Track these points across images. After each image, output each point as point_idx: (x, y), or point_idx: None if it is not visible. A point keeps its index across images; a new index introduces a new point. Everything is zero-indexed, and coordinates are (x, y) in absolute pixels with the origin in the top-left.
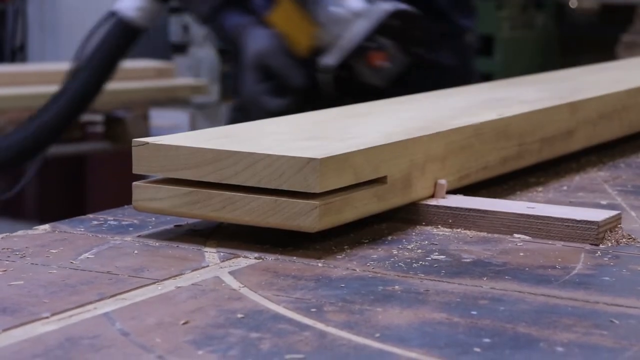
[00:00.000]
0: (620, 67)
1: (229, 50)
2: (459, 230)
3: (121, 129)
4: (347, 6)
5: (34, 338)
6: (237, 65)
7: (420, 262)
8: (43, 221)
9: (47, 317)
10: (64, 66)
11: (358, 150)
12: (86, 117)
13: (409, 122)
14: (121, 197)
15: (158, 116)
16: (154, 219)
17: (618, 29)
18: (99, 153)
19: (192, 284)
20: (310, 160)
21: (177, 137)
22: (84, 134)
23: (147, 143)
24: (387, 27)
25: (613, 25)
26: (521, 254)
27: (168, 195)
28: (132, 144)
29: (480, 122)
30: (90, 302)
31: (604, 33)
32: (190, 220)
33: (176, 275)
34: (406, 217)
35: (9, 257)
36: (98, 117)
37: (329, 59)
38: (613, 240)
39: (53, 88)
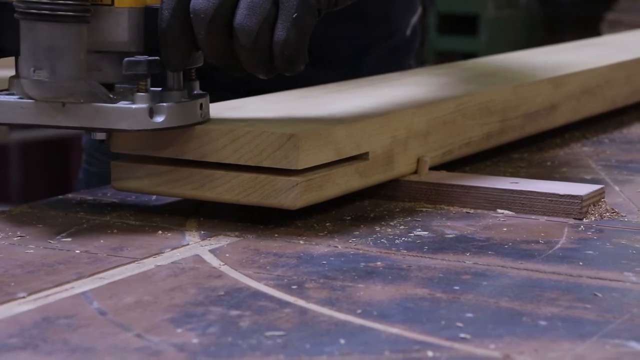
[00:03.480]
0: (603, 43)
1: None
2: (441, 206)
3: None
4: None
5: (10, 318)
6: None
7: (403, 239)
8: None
9: (23, 297)
10: None
11: (339, 126)
12: None
13: (391, 98)
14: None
15: None
16: (133, 197)
17: (602, 7)
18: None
19: (172, 263)
20: (291, 136)
21: None
22: None
23: None
24: None
25: (597, 3)
26: (504, 229)
27: (147, 174)
28: None
29: (463, 97)
30: (68, 282)
31: (588, 11)
32: (171, 199)
33: (156, 254)
34: (388, 193)
35: None
36: None
37: None
38: (597, 214)
39: None
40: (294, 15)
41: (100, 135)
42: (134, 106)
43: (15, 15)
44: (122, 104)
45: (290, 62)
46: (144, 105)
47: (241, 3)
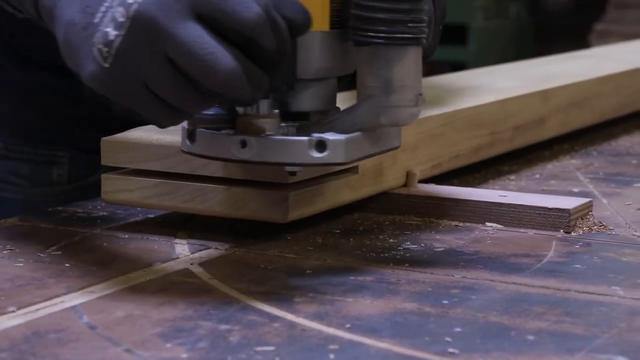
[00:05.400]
0: (591, 55)
1: None
2: (430, 219)
3: None
4: None
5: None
6: None
7: (392, 252)
8: None
9: (13, 311)
10: None
11: None
12: None
13: None
14: None
15: None
16: (123, 210)
17: (591, 18)
18: None
19: (162, 276)
20: None
21: (146, 128)
22: None
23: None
24: None
25: (586, 14)
26: (493, 242)
27: (137, 187)
28: (101, 141)
29: (452, 111)
30: (58, 296)
31: (577, 22)
32: (161, 212)
33: (145, 268)
34: (378, 206)
35: None
36: None
37: None
38: (585, 228)
39: None
40: (440, 28)
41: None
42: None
43: (385, 41)
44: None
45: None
46: None
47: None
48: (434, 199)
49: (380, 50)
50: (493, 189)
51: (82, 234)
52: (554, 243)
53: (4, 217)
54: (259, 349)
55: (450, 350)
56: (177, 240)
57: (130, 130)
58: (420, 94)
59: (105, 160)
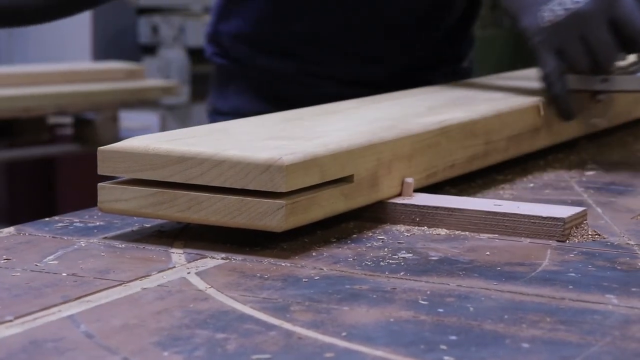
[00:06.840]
0: None
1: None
2: (426, 228)
3: (90, 131)
4: None
5: None
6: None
7: (388, 261)
8: (12, 224)
9: (10, 321)
10: (32, 68)
11: (324, 150)
12: (55, 119)
13: (376, 121)
14: (91, 199)
15: (128, 118)
16: (120, 220)
17: None
18: (68, 155)
19: (159, 285)
20: (277, 159)
21: (142, 138)
22: (53, 136)
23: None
24: None
25: None
26: (488, 251)
27: (134, 196)
28: (98, 150)
29: (447, 120)
30: (55, 305)
31: None
32: (157, 221)
33: (142, 277)
34: (373, 215)
35: None
36: (67, 119)
37: None
38: (579, 237)
39: (21, 90)
40: None
41: None
42: None
43: None
44: None
45: None
46: None
47: None
48: (429, 208)
49: None
50: (488, 198)
51: (79, 243)
52: (548, 252)
53: None
54: (255, 357)
55: (446, 358)
56: (173, 250)
57: (127, 140)
58: None
59: (101, 170)
